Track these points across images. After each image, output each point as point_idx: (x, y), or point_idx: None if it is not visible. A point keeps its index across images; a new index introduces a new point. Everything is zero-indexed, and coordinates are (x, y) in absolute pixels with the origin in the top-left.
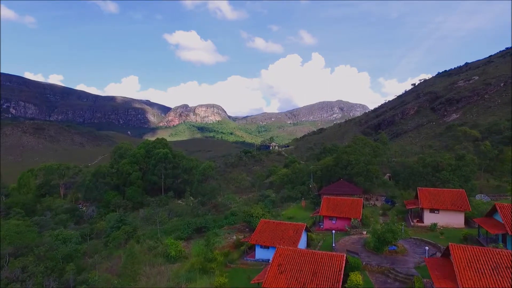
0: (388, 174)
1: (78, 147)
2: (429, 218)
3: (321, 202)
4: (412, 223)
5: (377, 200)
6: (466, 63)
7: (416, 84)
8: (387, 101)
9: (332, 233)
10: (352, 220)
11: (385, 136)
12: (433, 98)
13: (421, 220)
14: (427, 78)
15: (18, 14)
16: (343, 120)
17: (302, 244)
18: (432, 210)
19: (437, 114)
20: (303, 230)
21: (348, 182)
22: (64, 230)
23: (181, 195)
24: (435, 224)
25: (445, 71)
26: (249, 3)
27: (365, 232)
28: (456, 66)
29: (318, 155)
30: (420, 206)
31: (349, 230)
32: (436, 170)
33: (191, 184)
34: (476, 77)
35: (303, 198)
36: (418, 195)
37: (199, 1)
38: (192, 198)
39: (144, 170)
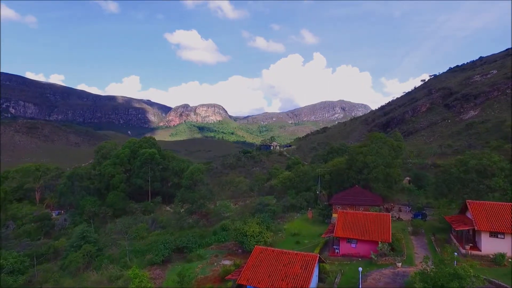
0: (407, 178)
1: (73, 146)
2: (489, 245)
3: (333, 216)
4: (463, 251)
5: (400, 211)
6: (481, 57)
7: (426, 80)
8: (395, 98)
9: (359, 272)
10: (379, 245)
11: (400, 135)
12: (446, 94)
13: (476, 246)
14: (437, 74)
15: (19, 13)
16: (344, 120)
17: (313, 282)
18: (493, 234)
19: (452, 111)
20: (315, 263)
21: (363, 188)
22: (3, 252)
23: (171, 201)
24: (502, 255)
25: (457, 66)
26: (250, 2)
27: (399, 264)
28: (469, 61)
29: (324, 155)
30: (476, 227)
31: (375, 258)
32: (482, 175)
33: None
34: (495, 71)
35: (309, 208)
36: (470, 211)
37: (200, 1)
38: (181, 204)
39: (130, 173)
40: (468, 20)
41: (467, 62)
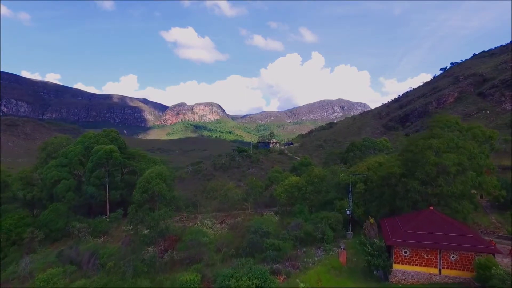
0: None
1: None
2: None
3: (394, 268)
4: None
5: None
6: None
7: (447, 67)
8: (411, 89)
9: None
10: None
11: None
12: (478, 81)
13: None
14: (460, 61)
15: (12, 10)
16: (344, 119)
17: None
18: None
19: (489, 100)
20: None
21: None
22: None
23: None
24: None
25: (484, 51)
26: (248, 0)
27: None
28: (498, 45)
29: (343, 154)
30: None
31: None
32: None
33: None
34: None
35: (341, 247)
36: None
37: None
38: (132, 227)
39: (84, 178)
40: (469, 19)
41: (496, 47)
